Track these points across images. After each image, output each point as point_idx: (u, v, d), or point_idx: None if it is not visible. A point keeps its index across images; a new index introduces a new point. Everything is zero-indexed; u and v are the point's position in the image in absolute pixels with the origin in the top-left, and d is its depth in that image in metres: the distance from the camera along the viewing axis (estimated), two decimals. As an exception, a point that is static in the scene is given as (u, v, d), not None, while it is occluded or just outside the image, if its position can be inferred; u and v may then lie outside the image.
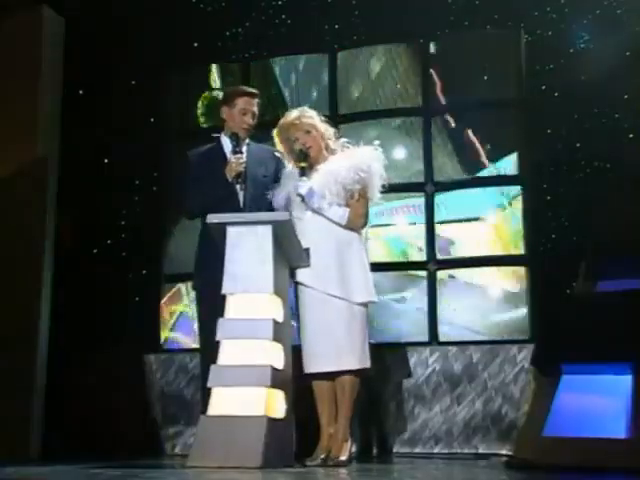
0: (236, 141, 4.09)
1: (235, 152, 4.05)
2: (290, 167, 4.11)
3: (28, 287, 5.16)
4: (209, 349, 3.68)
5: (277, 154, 4.24)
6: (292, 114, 4.08)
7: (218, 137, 4.24)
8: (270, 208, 4.02)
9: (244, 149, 4.14)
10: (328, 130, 4.06)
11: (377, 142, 4.01)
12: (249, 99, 4.16)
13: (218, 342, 3.53)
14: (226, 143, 4.19)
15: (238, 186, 4.05)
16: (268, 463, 3.27)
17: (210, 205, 3.85)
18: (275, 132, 4.12)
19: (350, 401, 3.89)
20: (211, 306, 3.80)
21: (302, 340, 3.92)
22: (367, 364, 3.90)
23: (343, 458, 3.83)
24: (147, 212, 5.47)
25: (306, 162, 3.94)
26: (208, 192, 4.04)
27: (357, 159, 3.94)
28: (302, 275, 3.91)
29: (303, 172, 3.93)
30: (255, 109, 4.17)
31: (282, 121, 4.10)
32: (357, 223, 3.96)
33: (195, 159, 4.22)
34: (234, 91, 4.27)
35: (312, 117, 4.05)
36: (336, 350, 3.83)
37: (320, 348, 3.85)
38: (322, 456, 3.85)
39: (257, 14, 5.46)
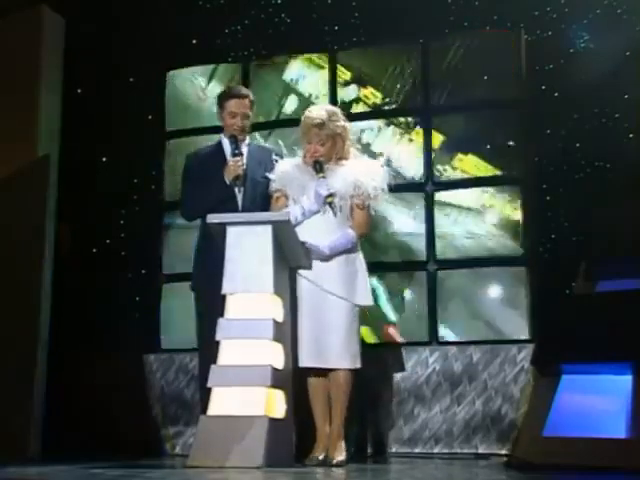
0: (235, 143, 4.09)
1: (234, 155, 4.05)
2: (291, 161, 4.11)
3: (28, 287, 5.15)
4: (207, 350, 3.69)
5: (276, 155, 4.23)
6: (318, 115, 3.94)
7: (219, 138, 4.25)
8: (269, 209, 4.01)
9: (244, 150, 4.14)
10: (347, 137, 4.01)
11: (383, 158, 4.04)
12: (238, 101, 4.14)
13: (217, 343, 3.53)
14: (226, 144, 4.19)
15: (236, 189, 4.05)
16: (268, 463, 3.28)
17: (209, 207, 3.85)
18: (300, 124, 4.02)
19: (345, 398, 3.89)
20: (210, 307, 3.80)
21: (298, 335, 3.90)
22: (358, 365, 3.91)
23: (341, 458, 3.83)
24: (146, 211, 5.47)
25: (322, 171, 3.92)
26: (207, 194, 4.04)
27: (370, 172, 3.96)
28: (306, 271, 3.91)
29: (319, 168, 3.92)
30: (246, 110, 4.15)
31: (305, 118, 3.98)
32: (365, 232, 4.04)
33: (194, 160, 4.23)
34: (223, 94, 4.26)
35: (337, 121, 3.96)
36: (334, 348, 3.84)
37: (318, 345, 3.84)
38: (321, 456, 3.85)
39: (256, 12, 5.46)
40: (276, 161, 4.09)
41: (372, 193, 3.94)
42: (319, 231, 3.90)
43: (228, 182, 4.02)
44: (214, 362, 3.51)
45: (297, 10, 5.40)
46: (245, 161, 4.07)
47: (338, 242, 3.89)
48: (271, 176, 4.03)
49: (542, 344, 4.24)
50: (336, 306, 3.87)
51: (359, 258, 4.00)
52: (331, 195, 3.85)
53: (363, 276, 3.98)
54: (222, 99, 4.20)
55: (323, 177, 3.89)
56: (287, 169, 4.03)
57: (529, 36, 5.02)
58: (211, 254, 3.89)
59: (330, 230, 3.91)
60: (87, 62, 5.61)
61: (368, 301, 3.99)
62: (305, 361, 3.84)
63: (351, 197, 3.93)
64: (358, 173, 3.95)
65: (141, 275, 5.41)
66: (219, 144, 4.24)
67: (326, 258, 3.88)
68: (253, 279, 3.58)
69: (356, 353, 3.90)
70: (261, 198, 4.06)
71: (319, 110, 4.00)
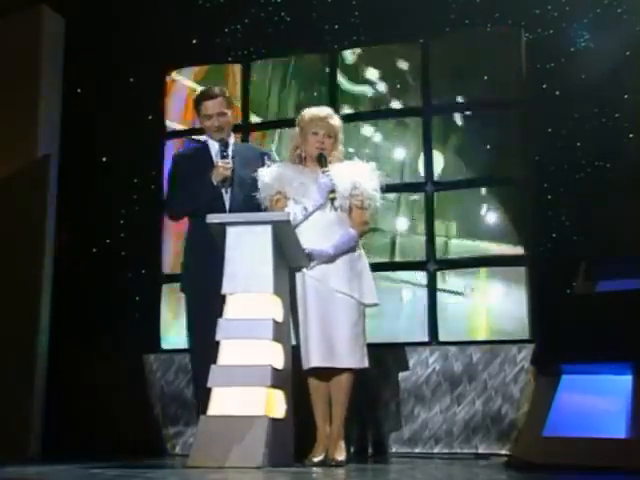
0: (224, 145, 4.09)
1: (223, 157, 4.06)
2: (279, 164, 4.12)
3: (28, 287, 5.15)
4: (199, 352, 3.69)
5: (264, 152, 4.22)
6: (324, 110, 4.07)
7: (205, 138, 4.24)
8: (258, 210, 4.00)
9: (230, 150, 4.12)
10: (341, 139, 4.09)
11: (373, 164, 4.07)
12: (211, 102, 4.12)
13: (210, 344, 3.52)
14: (212, 145, 4.18)
15: (223, 190, 4.05)
16: (268, 463, 3.28)
17: (195, 207, 3.84)
18: (300, 120, 4.06)
19: (346, 399, 3.89)
20: (201, 308, 3.80)
21: (302, 335, 3.89)
22: (366, 364, 3.91)
23: (341, 458, 3.83)
24: (146, 211, 5.47)
25: (326, 166, 3.95)
26: (194, 194, 4.03)
27: (367, 173, 4.01)
28: (313, 269, 3.90)
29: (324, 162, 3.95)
30: (220, 109, 4.13)
31: (311, 112, 4.05)
32: (365, 231, 4.08)
33: (181, 160, 4.22)
34: (195, 99, 4.23)
35: (338, 122, 4.06)
36: (341, 347, 3.84)
37: (327, 344, 3.83)
38: (321, 456, 3.85)
39: (256, 11, 5.46)
40: (268, 165, 4.09)
41: (370, 193, 3.96)
42: (320, 230, 3.90)
43: (215, 183, 4.02)
44: (212, 363, 3.50)
45: (297, 9, 5.40)
46: (232, 163, 4.06)
47: (341, 242, 3.91)
48: (267, 179, 4.02)
49: (542, 344, 4.23)
50: (343, 304, 3.87)
51: (363, 257, 4.01)
52: (333, 191, 3.88)
53: (368, 275, 3.99)
54: (196, 103, 4.19)
55: (327, 171, 3.91)
56: (284, 170, 4.03)
57: (530, 35, 5.02)
58: (200, 256, 3.90)
59: (331, 229, 3.91)
60: (87, 62, 5.61)
61: (374, 300, 3.99)
62: (315, 361, 3.82)
63: (350, 197, 3.94)
64: (355, 174, 3.99)
65: (141, 275, 5.41)
66: (205, 144, 4.22)
67: (331, 259, 3.89)
68: (253, 279, 3.57)
69: (364, 352, 3.90)
70: (248, 198, 4.03)
71: (321, 107, 4.13)
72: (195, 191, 4.04)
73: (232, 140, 4.20)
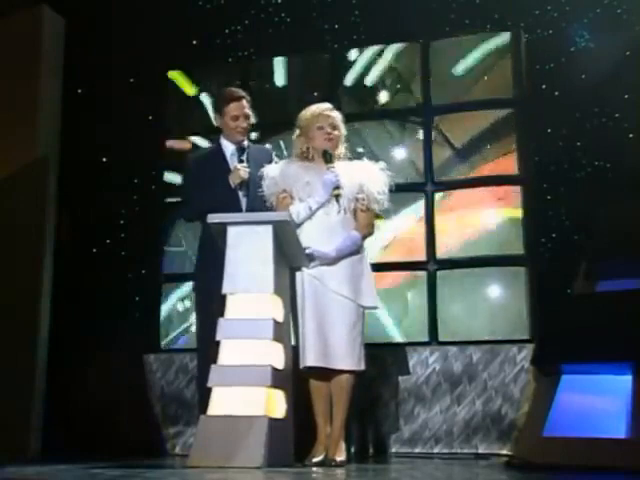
0: (242, 151, 4.09)
1: (240, 160, 4.06)
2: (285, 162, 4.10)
3: (28, 287, 5.16)
4: (209, 351, 3.69)
5: (275, 156, 4.22)
6: (324, 105, 4.04)
7: (218, 140, 4.23)
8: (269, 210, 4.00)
9: (246, 152, 4.12)
10: (343, 135, 4.06)
11: (383, 164, 4.04)
12: (237, 103, 4.12)
13: (218, 343, 3.52)
14: (227, 147, 4.18)
15: (240, 192, 4.05)
16: (268, 463, 3.27)
17: (211, 209, 3.82)
18: (302, 119, 4.03)
19: (348, 400, 3.88)
20: (212, 308, 3.80)
21: (300, 334, 3.88)
22: (362, 367, 3.89)
23: (341, 458, 3.82)
24: (146, 211, 5.47)
25: (331, 162, 3.93)
26: (210, 196, 4.03)
27: (374, 176, 3.97)
28: (314, 269, 3.89)
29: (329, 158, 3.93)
30: (246, 111, 4.14)
31: (312, 109, 4.02)
32: (370, 233, 4.03)
33: (196, 162, 4.20)
34: (222, 98, 4.20)
35: (340, 115, 4.04)
36: (338, 348, 3.82)
37: (323, 345, 3.82)
38: (321, 456, 3.85)
39: (256, 12, 5.46)
40: (276, 162, 4.08)
41: (376, 197, 3.94)
42: (323, 232, 3.88)
43: (233, 186, 4.02)
44: (215, 363, 3.51)
45: (297, 9, 5.41)
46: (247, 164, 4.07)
47: (344, 245, 3.88)
48: (272, 175, 4.01)
49: (542, 344, 4.24)
50: (341, 306, 3.85)
51: (365, 259, 3.97)
52: (338, 187, 3.85)
53: (369, 277, 3.95)
54: (221, 104, 4.17)
55: (332, 167, 3.90)
56: (290, 168, 4.01)
57: (529, 35, 5.03)
58: (214, 255, 3.89)
59: (334, 231, 3.89)
60: (87, 62, 5.61)
61: (374, 303, 3.96)
62: (310, 360, 3.81)
63: (355, 199, 3.92)
64: (362, 176, 3.96)
65: (141, 275, 5.41)
66: (219, 146, 4.22)
67: (332, 261, 3.88)
68: (253, 279, 3.57)
69: (360, 355, 3.87)
70: (262, 200, 4.05)
71: (315, 104, 4.06)
72: (211, 193, 4.03)
73: (246, 142, 4.19)
